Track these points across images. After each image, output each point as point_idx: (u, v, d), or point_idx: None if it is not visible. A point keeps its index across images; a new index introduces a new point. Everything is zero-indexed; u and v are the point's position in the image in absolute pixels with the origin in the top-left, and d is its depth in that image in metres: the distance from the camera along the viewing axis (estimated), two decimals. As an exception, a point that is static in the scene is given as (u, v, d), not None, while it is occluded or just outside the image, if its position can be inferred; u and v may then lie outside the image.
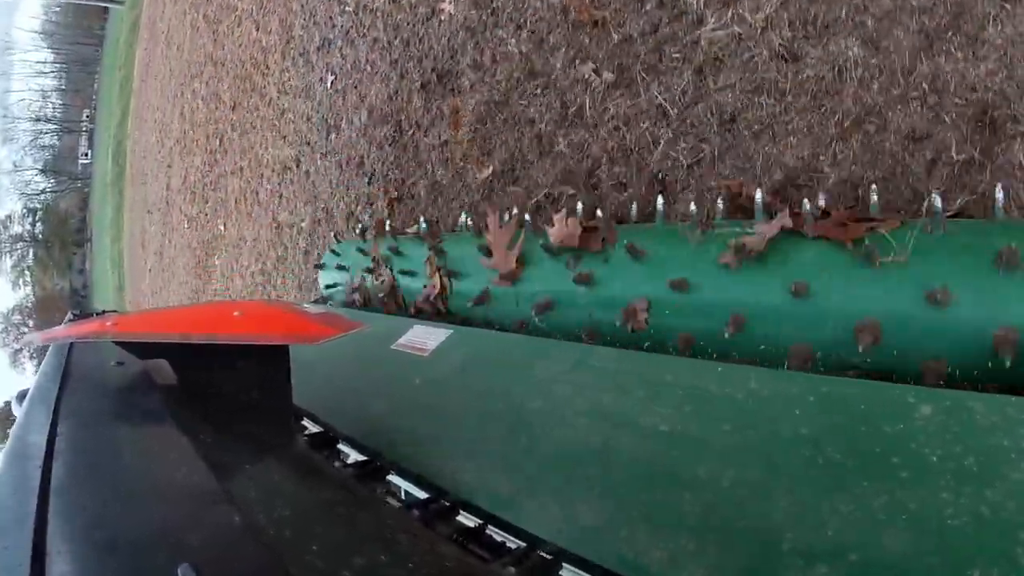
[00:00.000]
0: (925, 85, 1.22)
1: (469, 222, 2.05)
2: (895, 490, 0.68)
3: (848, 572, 0.64)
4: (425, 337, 1.53)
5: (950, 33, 1.20)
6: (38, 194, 39.02)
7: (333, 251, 2.50)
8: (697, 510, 0.80)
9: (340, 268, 2.39)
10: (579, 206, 1.68)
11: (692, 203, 1.44)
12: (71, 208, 38.45)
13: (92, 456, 0.72)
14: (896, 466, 0.71)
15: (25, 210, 39.01)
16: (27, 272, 40.78)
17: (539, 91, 2.02)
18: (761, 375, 0.94)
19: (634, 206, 1.59)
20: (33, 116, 39.17)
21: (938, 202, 1.03)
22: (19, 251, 40.37)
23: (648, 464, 0.90)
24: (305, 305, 1.19)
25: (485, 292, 1.70)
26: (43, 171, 39.42)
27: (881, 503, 0.68)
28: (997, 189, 1.05)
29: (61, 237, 38.59)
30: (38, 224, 39.13)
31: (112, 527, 0.54)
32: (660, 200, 1.48)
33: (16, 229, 39.67)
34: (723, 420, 0.90)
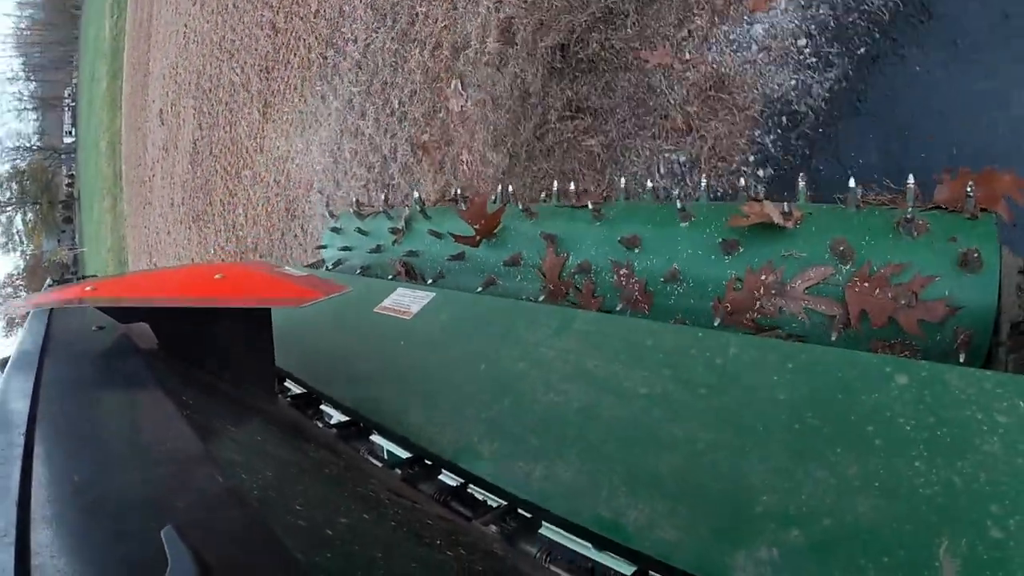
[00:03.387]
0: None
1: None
2: (869, 458, 0.70)
3: (821, 536, 0.66)
4: (408, 300, 1.53)
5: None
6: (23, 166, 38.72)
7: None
8: (674, 472, 0.81)
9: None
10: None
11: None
12: (59, 181, 38.32)
13: (75, 421, 0.72)
14: (870, 434, 0.72)
15: (12, 171, 38.39)
16: (17, 237, 40.26)
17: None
18: (741, 341, 0.95)
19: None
20: (17, 95, 38.65)
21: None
22: (7, 214, 39.78)
23: (627, 427, 0.91)
24: (287, 267, 1.18)
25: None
26: (29, 149, 39.06)
27: (855, 470, 0.70)
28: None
29: (49, 196, 38.16)
30: (26, 183, 38.55)
31: (96, 492, 0.54)
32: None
33: (4, 195, 39.10)
34: (702, 385, 0.91)
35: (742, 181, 1.31)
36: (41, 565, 0.43)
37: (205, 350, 1.07)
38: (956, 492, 0.63)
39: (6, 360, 0.93)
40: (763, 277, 1.14)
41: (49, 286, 1.44)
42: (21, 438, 0.62)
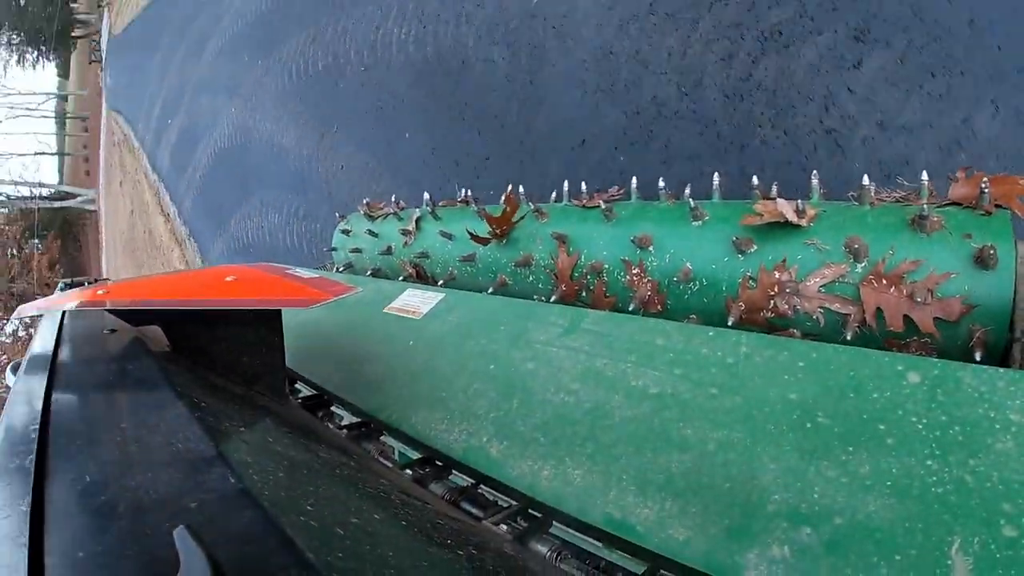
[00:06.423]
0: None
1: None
2: (881, 456, 0.70)
3: (833, 535, 0.66)
4: (418, 300, 1.53)
5: None
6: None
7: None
8: (685, 471, 0.81)
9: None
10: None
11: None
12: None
13: (88, 423, 0.73)
14: (882, 433, 0.72)
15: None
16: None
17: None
18: (752, 340, 0.95)
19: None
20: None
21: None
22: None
23: (638, 426, 0.91)
24: (298, 269, 1.19)
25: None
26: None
27: (867, 469, 0.69)
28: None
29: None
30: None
31: (108, 493, 0.55)
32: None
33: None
34: (713, 384, 0.91)
35: (755, 179, 1.29)
36: (54, 565, 0.44)
37: (216, 352, 1.07)
38: (968, 490, 0.63)
39: (19, 363, 0.94)
40: (777, 276, 1.13)
41: (62, 289, 1.46)
42: (34, 440, 0.62)
